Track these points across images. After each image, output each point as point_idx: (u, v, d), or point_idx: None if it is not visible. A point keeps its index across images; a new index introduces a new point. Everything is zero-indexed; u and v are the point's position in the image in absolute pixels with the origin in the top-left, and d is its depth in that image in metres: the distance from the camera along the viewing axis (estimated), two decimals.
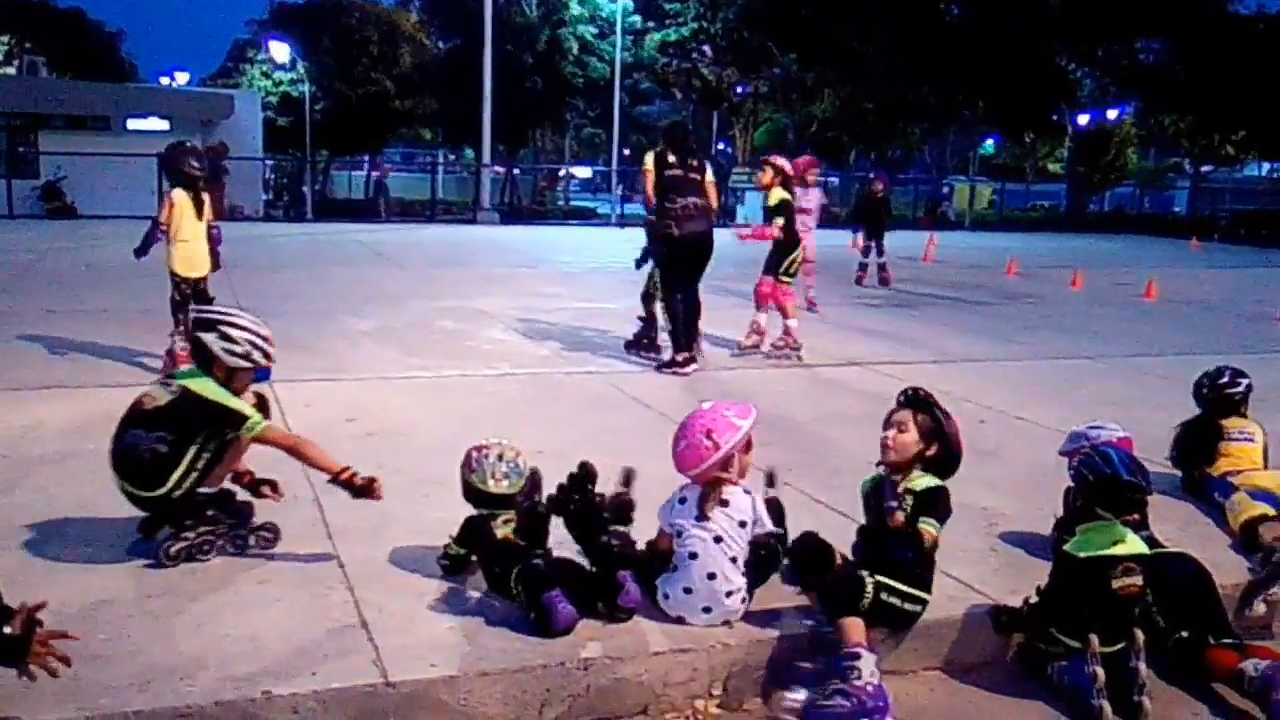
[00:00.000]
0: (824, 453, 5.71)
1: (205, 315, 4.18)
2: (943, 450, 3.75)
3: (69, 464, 5.15)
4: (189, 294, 7.42)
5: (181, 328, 7.10)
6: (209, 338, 4.02)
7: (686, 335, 8.12)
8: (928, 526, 3.64)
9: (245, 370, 4.05)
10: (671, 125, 9.32)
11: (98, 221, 22.89)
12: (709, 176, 8.26)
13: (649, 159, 8.21)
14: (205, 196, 7.53)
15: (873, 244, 15.14)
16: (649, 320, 8.85)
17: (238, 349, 4.02)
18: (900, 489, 3.70)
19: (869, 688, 3.25)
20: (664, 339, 8.47)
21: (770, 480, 4.05)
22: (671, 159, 8.09)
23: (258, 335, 4.08)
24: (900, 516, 3.65)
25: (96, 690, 2.99)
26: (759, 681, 3.52)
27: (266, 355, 4.09)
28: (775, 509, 3.86)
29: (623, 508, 3.91)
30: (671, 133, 8.69)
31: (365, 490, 4.00)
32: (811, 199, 12.21)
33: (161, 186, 25.73)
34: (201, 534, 3.99)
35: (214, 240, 7.71)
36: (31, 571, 3.79)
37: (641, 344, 8.79)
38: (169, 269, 7.51)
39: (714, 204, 8.37)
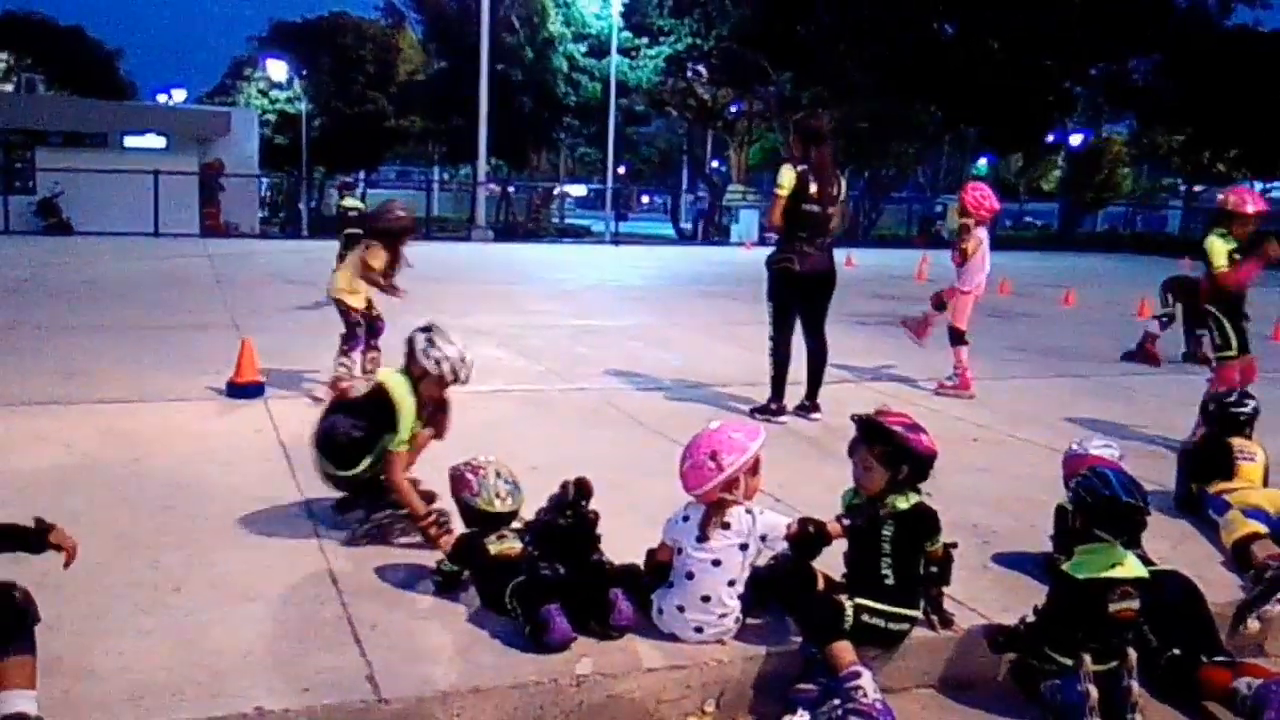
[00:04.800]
0: (820, 470, 5.71)
1: (431, 324, 4.59)
2: (912, 465, 3.69)
3: (66, 479, 5.14)
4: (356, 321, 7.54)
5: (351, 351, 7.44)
6: (419, 336, 4.48)
7: (810, 384, 7.34)
8: (935, 546, 3.73)
9: (432, 376, 4.42)
10: (813, 130, 7.22)
11: (94, 238, 22.88)
12: (842, 194, 7.40)
13: (788, 178, 6.96)
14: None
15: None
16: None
17: (433, 352, 4.42)
18: (884, 512, 3.67)
19: (877, 704, 3.27)
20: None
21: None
22: (813, 189, 6.98)
23: (458, 354, 4.47)
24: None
25: (88, 707, 2.98)
26: (752, 699, 3.52)
27: (454, 373, 4.47)
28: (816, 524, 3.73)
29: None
30: (815, 140, 7.16)
31: (436, 541, 4.21)
32: None
33: (158, 203, 25.87)
34: (387, 516, 4.42)
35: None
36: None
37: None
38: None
39: (839, 223, 7.55)
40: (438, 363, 4.43)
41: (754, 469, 3.66)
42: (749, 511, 3.64)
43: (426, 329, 4.52)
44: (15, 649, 2.80)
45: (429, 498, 4.48)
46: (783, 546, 3.67)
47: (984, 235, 8.56)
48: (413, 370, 4.45)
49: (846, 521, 3.73)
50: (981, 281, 8.65)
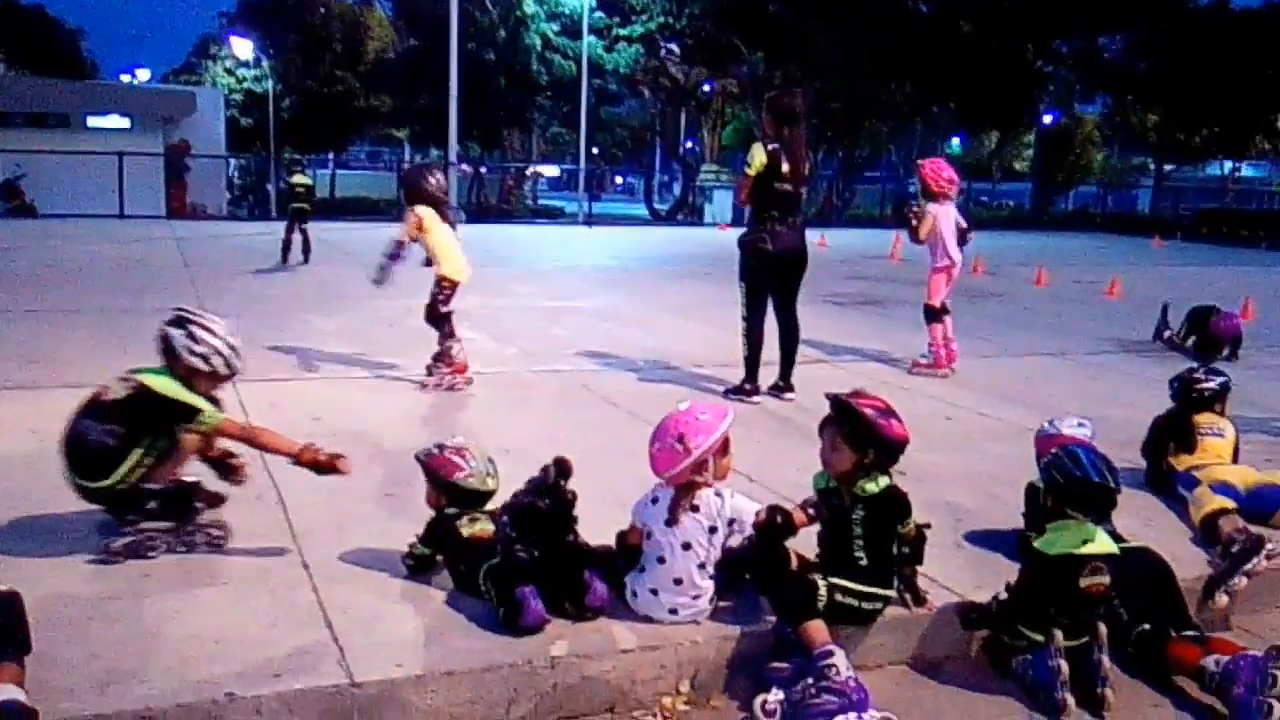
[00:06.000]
0: (793, 450, 5.71)
1: (181, 313, 4.12)
2: (880, 450, 3.65)
3: (31, 465, 5.08)
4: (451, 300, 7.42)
5: (451, 332, 7.34)
6: (176, 333, 4.00)
7: (783, 365, 7.35)
8: (907, 527, 3.70)
9: (202, 374, 4.01)
10: (787, 109, 7.11)
11: (58, 220, 22.62)
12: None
13: (758, 157, 6.94)
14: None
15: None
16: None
17: (198, 348, 3.98)
18: (850, 500, 3.66)
19: (850, 682, 3.28)
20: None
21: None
22: (785, 168, 6.95)
23: (225, 343, 4.04)
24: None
25: (56, 694, 2.94)
26: (726, 678, 3.52)
27: (228, 365, 4.05)
28: (783, 513, 3.69)
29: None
30: (788, 118, 7.07)
31: (330, 467, 3.98)
32: None
33: (123, 185, 25.54)
34: (145, 531, 3.96)
35: None
36: None
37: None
38: (441, 277, 7.37)
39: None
40: (206, 358, 3.98)
41: (723, 449, 3.64)
42: (718, 494, 3.62)
43: (179, 322, 4.04)
44: (5, 657, 2.81)
45: (214, 500, 4.23)
46: (750, 532, 3.65)
47: (944, 210, 8.58)
48: (177, 370, 3.99)
49: (812, 510, 3.72)
50: (954, 258, 8.66)
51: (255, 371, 7.34)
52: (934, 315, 8.61)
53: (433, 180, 7.52)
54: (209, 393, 4.06)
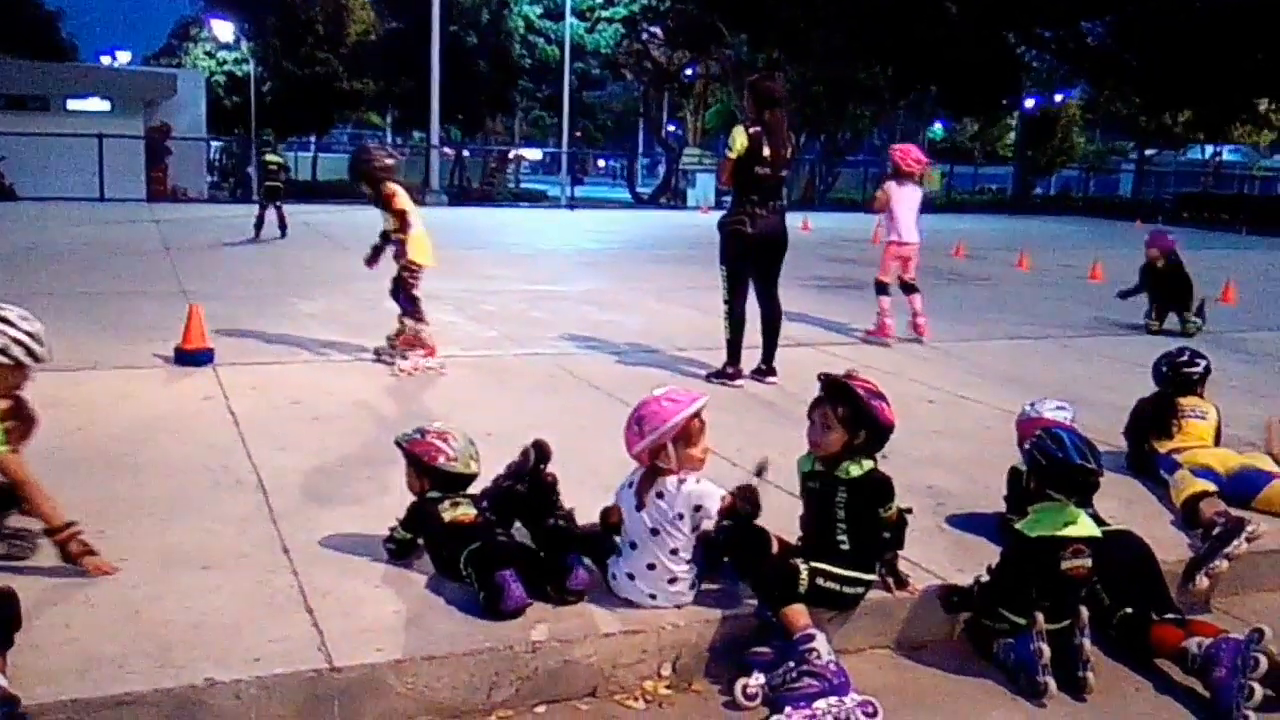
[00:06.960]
0: (776, 433, 5.71)
1: None
2: (871, 432, 3.64)
3: None
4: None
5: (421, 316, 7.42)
6: None
7: (765, 348, 7.32)
8: (889, 511, 3.68)
9: (5, 368, 3.67)
10: (767, 92, 7.10)
11: (37, 204, 22.43)
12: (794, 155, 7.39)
13: (739, 140, 6.91)
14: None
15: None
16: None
17: None
18: (832, 481, 3.64)
19: (831, 666, 3.28)
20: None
21: (760, 471, 3.80)
22: (766, 152, 6.92)
23: (22, 330, 3.68)
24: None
25: (34, 678, 2.92)
26: (708, 662, 3.52)
27: (31, 353, 3.70)
28: (749, 498, 3.62)
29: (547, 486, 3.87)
30: (769, 102, 7.06)
31: (79, 560, 3.60)
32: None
33: (103, 168, 25.29)
34: None
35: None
36: None
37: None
38: (409, 261, 7.38)
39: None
40: (4, 350, 3.64)
41: (688, 439, 3.57)
42: (681, 481, 3.57)
43: None
44: None
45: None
46: (715, 518, 3.59)
47: (904, 189, 9.09)
48: None
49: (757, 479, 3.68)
50: (904, 237, 9.18)
51: (236, 354, 7.34)
52: (882, 288, 9.26)
53: (387, 155, 7.49)
54: (16, 387, 3.78)
